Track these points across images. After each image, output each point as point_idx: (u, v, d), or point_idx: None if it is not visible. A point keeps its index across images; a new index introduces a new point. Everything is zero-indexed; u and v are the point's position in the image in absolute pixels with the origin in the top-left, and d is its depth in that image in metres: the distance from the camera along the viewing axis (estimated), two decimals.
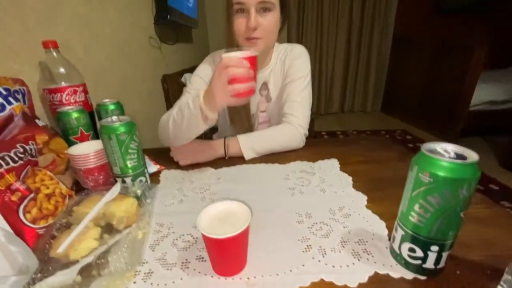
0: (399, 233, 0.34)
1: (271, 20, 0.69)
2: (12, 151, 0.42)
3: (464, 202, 0.28)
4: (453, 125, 2.38)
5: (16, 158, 0.42)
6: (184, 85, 1.65)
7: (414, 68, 2.87)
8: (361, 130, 2.88)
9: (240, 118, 0.84)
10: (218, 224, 0.34)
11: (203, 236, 0.32)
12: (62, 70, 0.64)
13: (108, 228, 0.42)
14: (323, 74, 3.36)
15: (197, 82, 0.81)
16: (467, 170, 0.27)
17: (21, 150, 0.44)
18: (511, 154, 1.94)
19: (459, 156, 0.29)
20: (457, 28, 3.01)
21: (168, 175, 0.63)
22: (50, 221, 0.43)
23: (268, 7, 0.67)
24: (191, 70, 1.81)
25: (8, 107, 0.48)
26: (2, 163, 0.40)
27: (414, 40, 2.93)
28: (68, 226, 0.42)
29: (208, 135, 1.04)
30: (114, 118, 0.50)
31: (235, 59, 0.50)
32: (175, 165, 0.68)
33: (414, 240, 0.32)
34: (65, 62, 0.65)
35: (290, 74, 0.79)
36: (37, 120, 0.54)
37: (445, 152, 0.30)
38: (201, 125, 0.59)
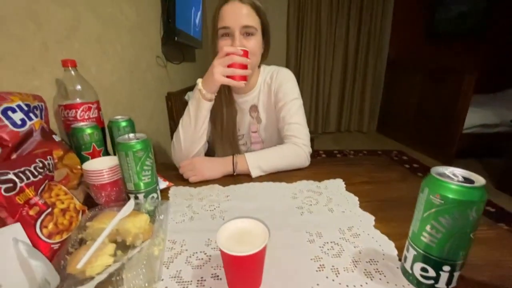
0: (411, 253, 0.35)
1: (254, 43, 0.74)
2: (32, 165, 0.43)
3: (474, 223, 0.30)
4: (447, 147, 2.44)
5: (36, 173, 0.43)
6: (187, 103, 1.69)
7: (408, 91, 2.98)
8: (358, 150, 2.93)
9: (222, 138, 0.87)
10: (236, 242, 0.35)
11: (222, 252, 0.33)
12: (78, 87, 0.66)
13: (122, 245, 0.43)
14: (320, 94, 3.46)
15: None
16: (476, 193, 0.29)
17: (40, 165, 0.45)
18: (506, 176, 1.98)
19: (467, 180, 0.31)
20: (448, 54, 3.17)
21: (177, 192, 0.64)
22: (65, 236, 0.43)
23: (251, 31, 0.73)
24: (194, 88, 1.86)
25: (28, 123, 0.50)
26: (23, 177, 0.41)
27: (407, 65, 3.07)
28: (82, 242, 0.42)
29: None
30: (131, 135, 0.51)
31: (234, 48, 0.65)
32: (183, 182, 0.69)
33: (426, 260, 0.33)
34: (81, 80, 0.67)
35: (281, 98, 0.82)
36: (54, 136, 0.55)
37: (453, 176, 0.32)
38: (202, 104, 0.70)
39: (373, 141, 3.32)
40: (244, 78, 0.69)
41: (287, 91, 0.81)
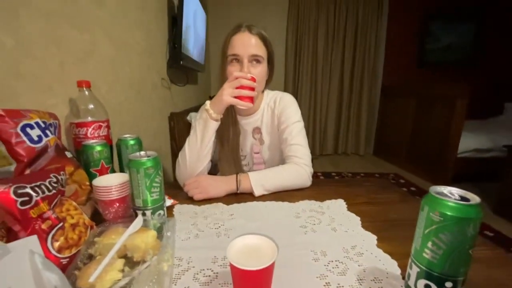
0: (414, 270, 0.36)
1: (260, 71, 0.80)
2: (47, 180, 0.45)
3: (472, 240, 0.32)
4: (442, 171, 2.48)
5: (50, 187, 0.44)
6: (189, 123, 1.72)
7: (402, 116, 3.08)
8: (355, 172, 2.95)
9: (227, 158, 0.89)
10: (246, 257, 0.36)
11: (232, 267, 0.34)
12: (91, 106, 0.69)
13: (130, 260, 0.43)
14: (317, 118, 3.55)
15: None
16: (472, 210, 0.31)
17: (55, 180, 0.46)
18: (502, 200, 2.00)
19: (463, 198, 0.33)
20: (439, 81, 3.33)
21: (182, 210, 0.65)
22: (74, 251, 0.43)
23: (258, 59, 0.79)
24: (196, 109, 1.91)
25: (44, 139, 0.52)
26: (39, 191, 0.42)
27: (400, 91, 3.20)
28: (91, 258, 0.43)
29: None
30: (142, 153, 0.53)
31: (243, 73, 0.73)
32: (188, 200, 0.70)
33: (429, 276, 0.34)
34: (94, 99, 0.71)
35: (283, 121, 0.86)
36: (66, 152, 0.57)
37: (451, 194, 0.34)
38: (209, 123, 0.75)
39: (370, 163, 3.36)
40: (251, 99, 0.74)
41: (289, 114, 0.85)
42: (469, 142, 2.44)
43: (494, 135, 2.51)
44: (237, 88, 0.71)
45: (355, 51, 3.39)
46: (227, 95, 0.71)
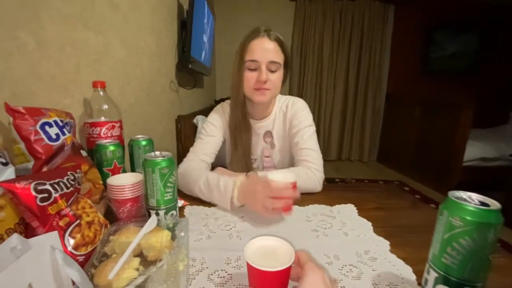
0: (432, 276, 0.36)
1: (277, 76, 0.81)
2: (65, 178, 0.45)
3: (492, 245, 0.32)
4: (447, 179, 2.46)
5: (68, 185, 0.45)
6: (195, 126, 1.74)
7: (407, 123, 3.07)
8: (359, 179, 2.94)
9: (239, 160, 0.89)
10: (262, 258, 0.36)
11: (250, 267, 0.34)
12: (105, 106, 0.70)
13: (143, 259, 0.43)
14: (321, 124, 3.56)
15: (211, 130, 0.89)
16: (493, 215, 0.31)
17: (72, 177, 0.47)
18: (509, 210, 1.97)
19: (483, 204, 0.33)
20: (444, 89, 3.33)
21: (192, 211, 0.65)
22: (89, 248, 0.44)
23: (276, 67, 0.79)
24: (202, 112, 1.93)
25: (62, 137, 0.53)
26: (58, 188, 0.42)
27: (405, 99, 3.20)
28: (106, 256, 0.43)
29: None
30: (157, 153, 0.54)
31: (284, 184, 0.56)
32: (198, 201, 0.70)
33: (447, 282, 0.34)
34: (108, 100, 0.72)
35: (295, 124, 0.87)
36: (81, 151, 0.58)
37: (470, 200, 0.34)
38: (226, 207, 0.64)
39: (374, 170, 3.34)
40: (288, 208, 0.56)
41: (301, 118, 0.86)
42: (475, 151, 2.43)
43: (500, 144, 2.50)
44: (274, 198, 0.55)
45: (360, 58, 3.41)
46: (259, 205, 0.57)
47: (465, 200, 0.34)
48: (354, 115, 3.58)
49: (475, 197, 0.35)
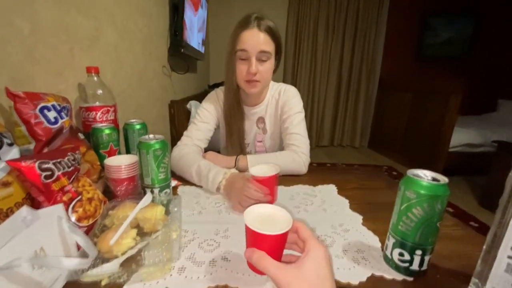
0: (391, 241, 0.42)
1: (268, 67, 0.82)
2: (66, 158, 0.49)
3: (439, 214, 0.37)
4: (434, 164, 2.56)
5: (70, 164, 0.49)
6: (189, 111, 1.76)
7: (398, 110, 3.13)
8: (349, 164, 3.02)
9: (234, 145, 0.94)
10: (261, 223, 0.37)
11: (250, 231, 0.36)
12: (99, 91, 0.73)
13: (140, 231, 0.48)
14: (315, 110, 3.60)
15: (206, 116, 0.92)
16: (441, 189, 0.37)
17: (72, 158, 0.51)
18: (488, 194, 2.09)
19: (434, 179, 0.39)
20: (435, 76, 3.37)
21: (185, 190, 0.70)
22: (91, 221, 0.48)
23: (266, 56, 0.80)
24: (195, 97, 1.94)
25: (60, 121, 0.56)
26: (60, 167, 0.46)
27: (397, 85, 3.24)
28: (107, 227, 0.48)
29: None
30: (151, 136, 0.58)
31: (258, 183, 0.60)
32: (190, 182, 0.75)
33: (402, 245, 0.40)
34: (102, 85, 0.74)
35: (286, 111, 0.91)
36: (79, 134, 0.61)
37: (424, 176, 0.40)
38: (213, 192, 0.68)
39: (365, 156, 3.43)
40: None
41: (292, 105, 0.90)
42: (461, 137, 2.51)
43: (486, 131, 2.59)
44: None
45: (355, 43, 3.40)
46: (235, 202, 0.61)
47: (420, 176, 0.39)
48: (347, 101, 3.62)
49: (428, 173, 0.40)
